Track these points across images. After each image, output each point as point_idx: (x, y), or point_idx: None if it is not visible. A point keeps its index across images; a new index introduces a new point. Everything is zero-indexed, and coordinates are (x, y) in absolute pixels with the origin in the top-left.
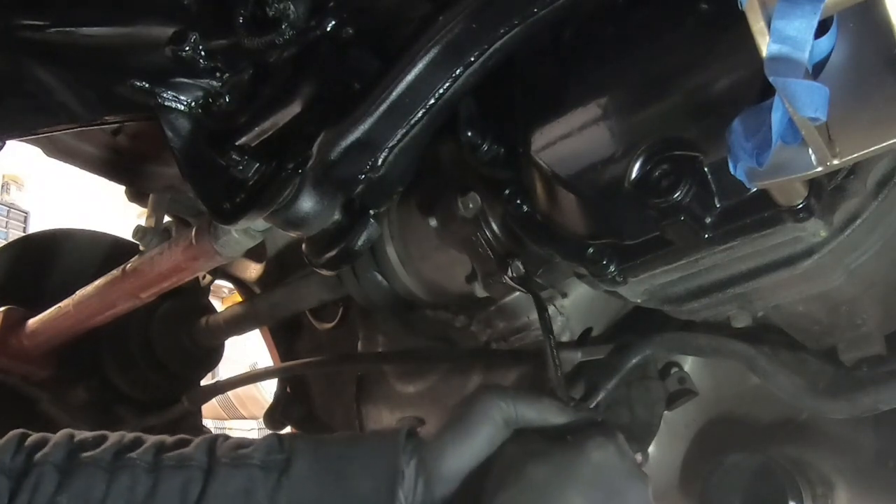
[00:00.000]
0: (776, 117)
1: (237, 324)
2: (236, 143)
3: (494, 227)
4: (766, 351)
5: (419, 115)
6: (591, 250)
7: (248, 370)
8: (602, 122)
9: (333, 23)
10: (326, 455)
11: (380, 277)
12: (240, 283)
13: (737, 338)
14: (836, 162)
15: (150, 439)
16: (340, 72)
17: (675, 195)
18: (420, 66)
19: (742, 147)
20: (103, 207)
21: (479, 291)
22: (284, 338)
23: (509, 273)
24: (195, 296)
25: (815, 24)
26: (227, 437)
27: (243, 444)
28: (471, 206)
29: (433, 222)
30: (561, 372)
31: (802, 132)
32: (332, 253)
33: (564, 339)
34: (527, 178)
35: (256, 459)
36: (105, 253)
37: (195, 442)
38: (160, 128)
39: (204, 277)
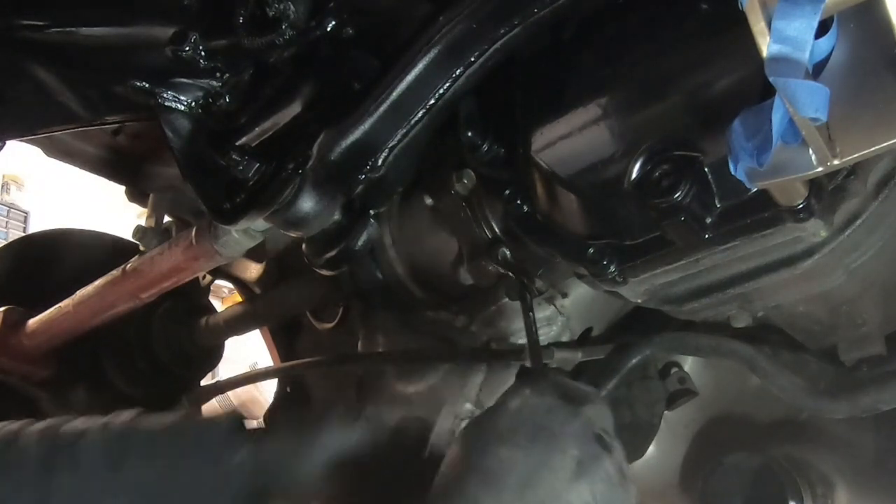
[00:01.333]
0: (776, 117)
1: (237, 324)
2: (236, 143)
3: (488, 211)
4: (766, 351)
5: (419, 115)
6: (591, 250)
7: (248, 370)
8: (602, 123)
9: (333, 23)
10: (160, 448)
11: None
12: (240, 283)
13: (737, 338)
14: (836, 162)
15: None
16: (340, 72)
17: (676, 195)
18: (420, 66)
19: (742, 147)
20: (103, 207)
21: (464, 276)
22: (284, 338)
23: (498, 257)
24: (195, 296)
25: (815, 24)
26: (70, 419)
27: (86, 433)
28: (465, 181)
29: (428, 199)
30: (536, 336)
31: (803, 132)
32: (332, 253)
33: (564, 339)
34: (527, 179)
35: (95, 455)
36: (105, 253)
37: (36, 434)
38: (160, 128)
39: (204, 277)
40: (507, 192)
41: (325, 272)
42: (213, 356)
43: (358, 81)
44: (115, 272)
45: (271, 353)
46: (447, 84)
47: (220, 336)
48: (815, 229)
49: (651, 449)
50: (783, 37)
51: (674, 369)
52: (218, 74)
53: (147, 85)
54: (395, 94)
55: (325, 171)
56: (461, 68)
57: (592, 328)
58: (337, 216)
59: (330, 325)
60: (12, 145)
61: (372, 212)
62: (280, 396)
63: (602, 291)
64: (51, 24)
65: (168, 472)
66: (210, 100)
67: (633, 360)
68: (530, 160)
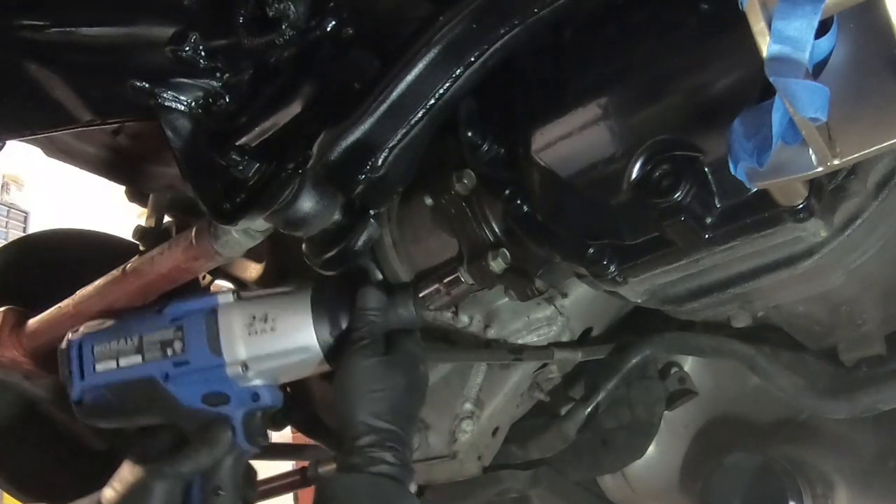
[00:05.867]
0: (776, 117)
1: None
2: (236, 143)
3: (488, 211)
4: (766, 351)
5: (419, 115)
6: (591, 250)
7: None
8: (602, 123)
9: (333, 23)
10: None
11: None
12: (240, 283)
13: (737, 338)
14: (836, 162)
15: None
16: (340, 72)
17: (676, 195)
18: (420, 66)
19: (742, 147)
20: (103, 207)
21: (465, 276)
22: None
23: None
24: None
25: (815, 24)
26: None
27: None
28: (465, 181)
29: (428, 200)
30: None
31: (803, 132)
32: (332, 253)
33: (564, 339)
34: (527, 179)
35: None
36: (105, 253)
37: None
38: (160, 128)
39: (204, 277)
40: (508, 192)
41: (324, 272)
42: None
43: (358, 81)
44: (115, 272)
45: None
46: (447, 84)
47: None
48: (815, 229)
49: (651, 449)
50: (783, 37)
51: (674, 369)
52: (218, 74)
53: (147, 85)
54: (395, 94)
55: (325, 171)
56: (461, 68)
57: (592, 328)
58: (337, 216)
59: None
60: (12, 145)
61: (372, 212)
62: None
63: (602, 291)
64: (51, 24)
65: None
66: (210, 100)
67: (633, 360)
68: (530, 160)
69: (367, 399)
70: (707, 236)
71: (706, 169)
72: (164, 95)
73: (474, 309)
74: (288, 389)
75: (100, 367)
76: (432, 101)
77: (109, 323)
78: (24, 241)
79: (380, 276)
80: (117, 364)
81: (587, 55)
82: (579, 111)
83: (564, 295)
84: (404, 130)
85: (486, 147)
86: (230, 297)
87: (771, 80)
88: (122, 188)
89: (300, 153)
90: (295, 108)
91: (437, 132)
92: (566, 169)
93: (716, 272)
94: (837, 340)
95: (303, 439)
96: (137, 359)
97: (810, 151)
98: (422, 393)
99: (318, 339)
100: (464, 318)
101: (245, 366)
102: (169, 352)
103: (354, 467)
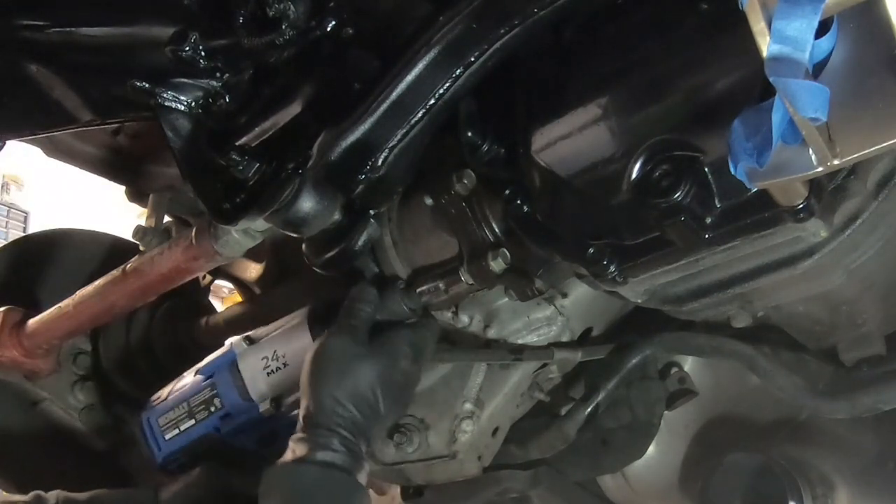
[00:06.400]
0: (777, 118)
1: (237, 324)
2: (236, 143)
3: (488, 211)
4: (766, 351)
5: (419, 115)
6: (591, 250)
7: None
8: (602, 123)
9: (333, 23)
10: None
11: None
12: (240, 283)
13: (737, 338)
14: (836, 162)
15: None
16: (340, 72)
17: (676, 195)
18: (420, 66)
19: (742, 147)
20: (103, 207)
21: (465, 276)
22: None
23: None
24: (195, 296)
25: (815, 24)
26: None
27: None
28: (465, 181)
29: (428, 200)
30: None
31: (803, 132)
32: (332, 253)
33: (564, 339)
34: (527, 179)
35: None
36: (105, 253)
37: None
38: (160, 128)
39: (204, 277)
40: (508, 192)
41: (324, 272)
42: None
43: (358, 81)
44: (115, 272)
45: None
46: (447, 84)
47: (220, 336)
48: (815, 229)
49: (651, 449)
50: (783, 37)
51: (674, 369)
52: (218, 74)
53: (147, 85)
54: (395, 94)
55: (325, 171)
56: (461, 68)
57: (592, 328)
58: (337, 216)
59: None
60: (12, 145)
61: (372, 212)
62: None
63: (602, 291)
64: (51, 24)
65: None
66: (210, 100)
67: (633, 360)
68: (530, 160)
69: (330, 379)
70: (707, 236)
71: (706, 169)
72: (164, 95)
73: (474, 309)
74: None
75: (168, 436)
76: (432, 101)
77: (165, 396)
78: (24, 241)
79: (376, 270)
80: (179, 430)
81: (587, 55)
82: (579, 111)
83: (564, 295)
84: (404, 130)
85: (486, 147)
86: (244, 346)
87: (771, 80)
88: (122, 188)
89: (300, 153)
90: (295, 108)
91: (437, 132)
92: (566, 169)
93: (716, 272)
94: (837, 340)
95: None
96: (191, 422)
97: (810, 151)
98: (399, 389)
99: None
100: (464, 318)
101: (277, 403)
102: (212, 408)
103: (298, 452)
